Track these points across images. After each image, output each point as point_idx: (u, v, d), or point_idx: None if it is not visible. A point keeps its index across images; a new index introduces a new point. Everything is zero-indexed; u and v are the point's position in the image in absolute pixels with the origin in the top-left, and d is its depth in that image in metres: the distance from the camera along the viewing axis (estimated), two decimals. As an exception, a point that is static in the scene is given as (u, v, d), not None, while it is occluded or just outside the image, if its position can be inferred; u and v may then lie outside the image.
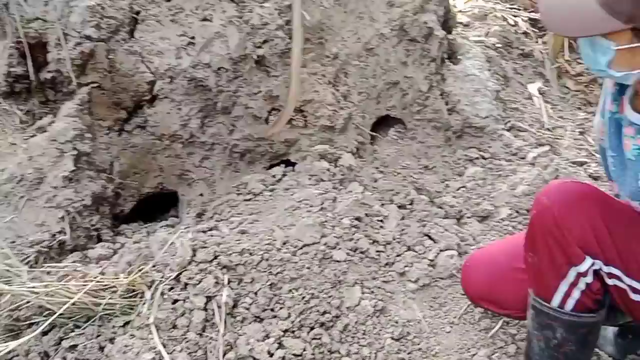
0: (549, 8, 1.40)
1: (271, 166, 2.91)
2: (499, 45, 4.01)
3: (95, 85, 2.63)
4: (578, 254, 1.53)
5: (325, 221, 2.28)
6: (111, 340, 1.91)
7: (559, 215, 1.52)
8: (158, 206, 3.06)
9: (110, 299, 1.95)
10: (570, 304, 1.61)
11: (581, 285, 1.57)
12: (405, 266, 2.31)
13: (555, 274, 1.58)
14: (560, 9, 1.36)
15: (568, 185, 1.60)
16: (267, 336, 1.95)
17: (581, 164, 3.13)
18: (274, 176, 2.75)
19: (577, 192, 1.57)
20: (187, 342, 1.88)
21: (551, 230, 1.53)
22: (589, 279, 1.56)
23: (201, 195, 2.91)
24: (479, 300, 1.97)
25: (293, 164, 2.85)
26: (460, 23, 4.15)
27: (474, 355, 2.05)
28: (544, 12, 1.43)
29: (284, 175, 2.75)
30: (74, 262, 2.23)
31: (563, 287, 1.59)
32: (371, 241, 2.34)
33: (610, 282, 1.57)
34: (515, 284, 1.78)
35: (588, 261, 1.53)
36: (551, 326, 1.66)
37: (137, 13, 2.66)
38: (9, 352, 1.94)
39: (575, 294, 1.59)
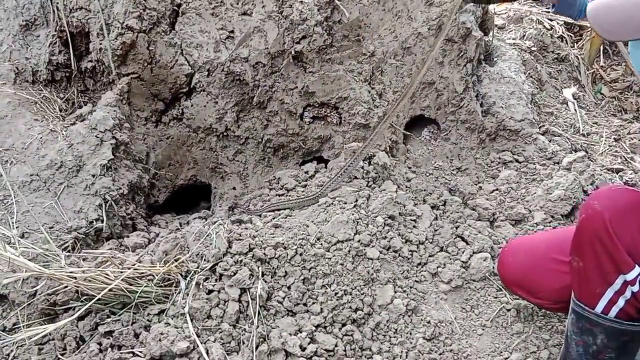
0: (600, 13, 1.39)
1: (304, 162, 2.92)
2: (535, 48, 3.97)
3: (135, 75, 2.66)
4: (627, 262, 1.51)
5: (359, 218, 2.28)
6: (146, 328, 1.93)
7: (610, 221, 1.50)
8: (190, 198, 3.09)
9: (146, 286, 1.98)
10: (614, 312, 1.59)
11: (627, 293, 1.55)
12: (438, 267, 2.30)
13: (602, 281, 1.56)
14: (614, 13, 1.35)
15: (620, 192, 1.58)
16: (300, 330, 1.96)
17: (617, 171, 3.08)
18: (306, 172, 2.76)
19: (628, 198, 1.55)
20: (221, 332, 1.89)
21: (600, 236, 1.51)
22: (636, 287, 1.53)
23: (234, 188, 2.93)
24: (513, 285, 1.96)
25: (326, 161, 2.86)
26: (496, 25, 4.11)
27: (506, 359, 2.03)
28: (594, 16, 1.42)
29: (316, 171, 2.75)
30: (110, 249, 2.26)
31: (609, 294, 1.57)
32: (404, 240, 2.34)
33: None
34: (551, 274, 1.77)
35: (637, 269, 1.51)
36: (592, 332, 1.64)
37: (179, 5, 2.69)
38: (45, 335, 1.98)
39: (621, 302, 1.57)
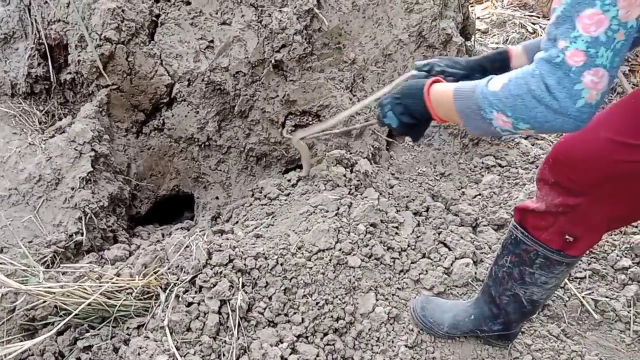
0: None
1: (287, 170, 2.91)
2: (517, 52, 3.98)
3: (114, 87, 2.65)
4: None
5: (341, 227, 2.28)
6: (125, 342, 1.91)
7: None
8: (173, 208, 3.07)
9: (125, 300, 1.96)
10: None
11: None
12: (420, 273, 2.30)
13: None
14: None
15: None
16: (281, 341, 1.95)
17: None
18: (289, 180, 2.75)
19: None
20: (201, 345, 1.88)
21: None
22: None
23: (217, 198, 2.92)
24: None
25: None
26: (479, 30, 4.13)
27: (488, 365, 2.03)
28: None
29: (299, 179, 2.74)
30: (90, 262, 2.24)
31: None
32: (386, 248, 2.33)
33: None
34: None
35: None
36: None
37: (157, 16, 2.68)
38: (24, 351, 1.96)
39: None
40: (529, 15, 4.46)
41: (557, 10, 1.14)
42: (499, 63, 1.80)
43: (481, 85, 1.28)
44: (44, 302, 1.96)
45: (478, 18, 4.34)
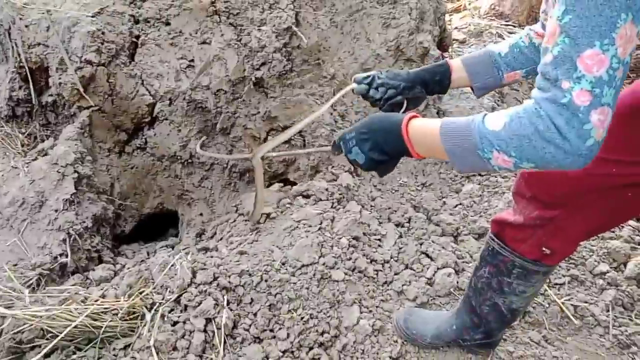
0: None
1: (270, 185, 2.94)
2: (495, 62, 4.04)
3: (95, 108, 2.67)
4: None
5: (324, 241, 2.31)
6: (112, 363, 1.93)
7: None
8: (157, 226, 3.09)
9: (111, 321, 1.97)
10: None
11: None
12: (403, 285, 2.34)
13: None
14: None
15: None
16: (267, 357, 1.97)
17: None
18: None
19: None
20: (188, 363, 1.90)
21: None
22: None
23: (201, 214, 2.94)
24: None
25: (292, 183, 2.89)
26: (457, 40, 4.20)
27: (472, 373, 2.07)
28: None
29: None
30: (75, 284, 2.25)
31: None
32: (369, 260, 2.37)
33: None
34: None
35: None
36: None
37: (137, 37, 2.71)
38: (12, 374, 1.97)
39: None
40: (505, 25, 4.54)
41: (552, 50, 1.13)
42: (439, 75, 1.81)
43: (476, 123, 1.25)
44: (30, 325, 1.97)
45: (456, 28, 4.41)
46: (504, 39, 4.38)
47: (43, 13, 2.63)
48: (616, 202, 1.51)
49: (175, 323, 1.98)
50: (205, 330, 1.97)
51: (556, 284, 2.42)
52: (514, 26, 4.54)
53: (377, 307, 2.25)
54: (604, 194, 1.48)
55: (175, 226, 3.05)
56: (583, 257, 2.54)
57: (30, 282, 2.24)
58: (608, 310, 2.30)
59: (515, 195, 1.68)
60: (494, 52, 1.75)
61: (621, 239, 2.60)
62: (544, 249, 1.64)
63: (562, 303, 2.31)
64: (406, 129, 1.39)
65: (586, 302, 2.33)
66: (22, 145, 2.76)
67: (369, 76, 1.82)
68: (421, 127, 1.38)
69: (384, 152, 1.44)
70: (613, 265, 2.49)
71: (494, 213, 2.73)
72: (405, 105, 1.77)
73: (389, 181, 3.02)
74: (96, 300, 1.99)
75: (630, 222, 2.71)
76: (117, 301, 2.01)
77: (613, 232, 2.65)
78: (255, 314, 2.07)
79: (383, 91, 1.77)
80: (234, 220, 2.70)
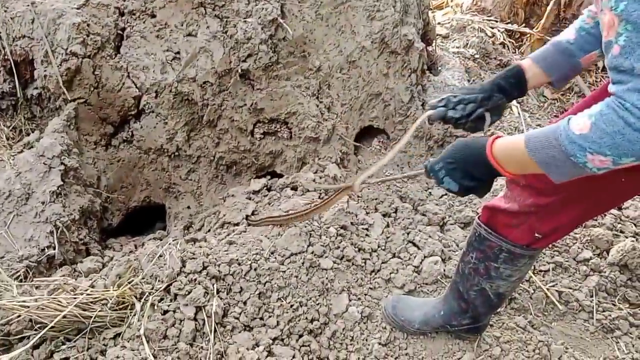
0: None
1: (257, 177, 2.95)
2: (477, 56, 4.09)
3: (81, 101, 2.66)
4: None
5: (312, 230, 2.32)
6: (102, 352, 1.92)
7: None
8: (145, 219, 3.08)
9: (100, 311, 1.97)
10: None
11: None
12: (391, 273, 2.36)
13: None
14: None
15: None
16: (257, 344, 1.98)
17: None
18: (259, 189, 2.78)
19: None
20: (178, 352, 1.90)
21: None
22: None
23: (188, 207, 2.94)
24: None
25: (279, 175, 2.90)
26: (440, 35, 4.23)
27: (459, 359, 2.09)
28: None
29: (270, 186, 2.79)
30: (63, 276, 2.24)
31: None
32: (357, 249, 2.39)
33: None
34: None
35: None
36: None
37: (123, 29, 2.70)
38: (0, 366, 1.96)
39: None
40: (487, 20, 4.58)
41: (617, 41, 1.11)
42: (513, 78, 1.75)
43: (561, 130, 1.22)
44: (19, 316, 1.96)
45: (439, 23, 4.43)
46: (486, 33, 4.42)
47: (28, 5, 2.62)
48: (609, 186, 1.54)
49: (165, 312, 1.99)
50: (195, 319, 1.98)
51: (541, 270, 2.46)
52: (496, 21, 4.58)
53: (365, 294, 2.27)
54: (598, 179, 1.51)
55: (162, 219, 3.05)
56: (567, 244, 2.58)
57: (18, 274, 2.23)
58: (592, 296, 2.35)
59: (510, 183, 1.70)
60: (562, 41, 1.70)
61: (604, 226, 2.64)
62: (536, 234, 1.66)
63: (547, 289, 2.35)
64: (491, 153, 1.38)
65: (570, 288, 2.37)
66: (7, 139, 2.74)
67: (443, 99, 1.76)
68: (506, 147, 1.37)
69: (474, 178, 1.46)
70: (596, 252, 2.53)
71: (479, 203, 2.77)
72: (488, 118, 1.69)
73: (374, 173, 3.04)
74: (85, 290, 1.98)
75: (613, 210, 2.76)
76: (106, 291, 2.01)
77: (596, 220, 2.70)
78: (245, 302, 2.08)
79: (462, 108, 1.69)
80: (222, 214, 2.71)
